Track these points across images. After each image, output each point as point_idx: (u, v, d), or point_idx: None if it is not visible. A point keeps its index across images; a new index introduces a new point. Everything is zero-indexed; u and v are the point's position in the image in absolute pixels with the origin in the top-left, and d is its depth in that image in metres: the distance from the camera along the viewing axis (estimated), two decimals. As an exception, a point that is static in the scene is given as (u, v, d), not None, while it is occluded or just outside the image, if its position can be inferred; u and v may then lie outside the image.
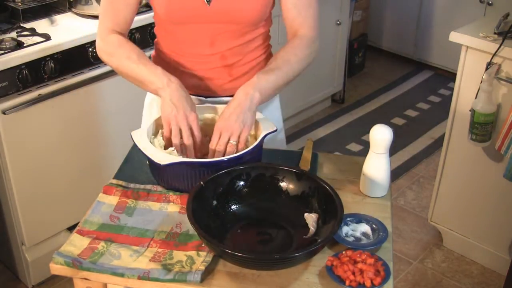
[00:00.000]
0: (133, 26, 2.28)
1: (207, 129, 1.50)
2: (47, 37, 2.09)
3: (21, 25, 2.20)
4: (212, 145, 1.37)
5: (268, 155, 1.48)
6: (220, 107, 1.52)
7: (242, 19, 1.47)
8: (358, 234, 1.28)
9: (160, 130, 1.45)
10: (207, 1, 1.44)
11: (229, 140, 1.36)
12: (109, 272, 1.17)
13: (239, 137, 1.36)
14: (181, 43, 1.53)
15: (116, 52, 1.48)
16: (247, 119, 1.37)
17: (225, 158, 1.32)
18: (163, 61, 1.58)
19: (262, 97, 1.40)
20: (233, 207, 1.32)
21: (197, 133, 1.39)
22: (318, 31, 1.53)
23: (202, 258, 1.19)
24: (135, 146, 1.41)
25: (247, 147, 1.37)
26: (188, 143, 1.37)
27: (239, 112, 1.36)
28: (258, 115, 1.47)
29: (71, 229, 2.37)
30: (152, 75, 1.42)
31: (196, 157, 1.40)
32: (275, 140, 1.65)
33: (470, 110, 2.20)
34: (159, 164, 1.28)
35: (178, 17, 1.47)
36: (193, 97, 1.53)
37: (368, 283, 1.12)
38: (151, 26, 2.35)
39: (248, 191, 1.33)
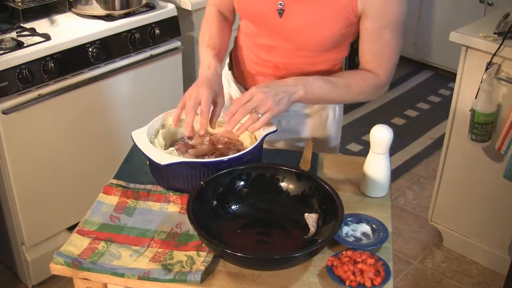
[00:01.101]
0: (133, 26, 2.30)
1: (208, 130, 1.50)
2: (47, 37, 2.09)
3: (21, 25, 2.19)
4: (236, 105, 1.33)
5: (268, 155, 1.48)
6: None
7: (306, 43, 1.45)
8: (358, 234, 1.28)
9: (160, 130, 1.46)
10: (280, 13, 1.42)
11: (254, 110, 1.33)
12: (109, 272, 1.17)
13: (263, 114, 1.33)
14: (248, 37, 1.55)
15: (202, 25, 1.62)
16: (282, 103, 1.34)
17: (225, 158, 1.32)
18: (236, 50, 1.64)
19: (304, 97, 1.39)
20: (233, 207, 1.32)
21: (204, 107, 1.36)
22: (390, 78, 1.48)
23: (202, 258, 1.19)
24: (135, 146, 1.41)
25: (245, 148, 1.37)
26: (189, 116, 1.36)
27: (281, 91, 1.34)
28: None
29: (71, 229, 2.37)
30: (202, 59, 1.51)
31: (198, 157, 1.40)
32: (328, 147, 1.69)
33: (470, 110, 2.20)
34: (159, 164, 1.28)
35: (248, 16, 1.51)
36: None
37: (368, 283, 1.12)
38: (151, 26, 2.35)
39: (248, 191, 1.33)
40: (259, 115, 1.34)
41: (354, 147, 3.38)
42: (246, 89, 1.55)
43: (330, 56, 1.50)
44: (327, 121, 1.66)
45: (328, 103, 1.50)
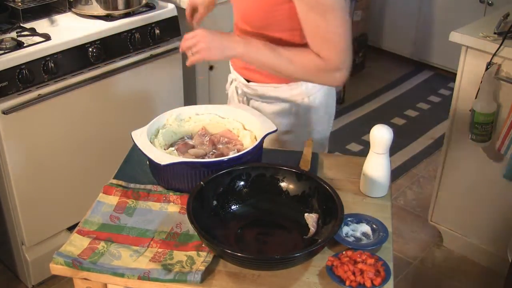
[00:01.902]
0: (133, 26, 2.29)
1: (207, 129, 1.50)
2: (47, 37, 2.09)
3: (21, 25, 2.19)
4: (185, 37, 1.46)
5: (268, 155, 1.48)
6: (220, 107, 1.52)
7: (245, 17, 1.55)
8: (358, 234, 1.28)
9: (160, 130, 1.46)
10: None
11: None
12: (109, 272, 1.17)
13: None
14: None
15: None
16: (214, 51, 1.45)
17: (225, 158, 1.32)
18: None
19: (243, 56, 1.47)
20: (233, 207, 1.32)
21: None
22: (340, 63, 1.44)
23: (202, 258, 1.19)
24: (135, 146, 1.41)
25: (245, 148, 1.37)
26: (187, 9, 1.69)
27: (220, 40, 1.45)
28: (258, 115, 1.47)
29: (71, 229, 2.36)
30: None
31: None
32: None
33: (470, 110, 2.20)
34: (159, 164, 1.28)
35: None
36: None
37: (368, 283, 1.12)
38: (151, 26, 2.35)
39: (248, 191, 1.33)
40: (191, 54, 1.45)
41: (354, 147, 3.38)
42: (233, 67, 1.73)
43: (273, 34, 1.51)
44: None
45: (271, 71, 1.50)
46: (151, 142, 1.36)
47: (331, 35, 1.42)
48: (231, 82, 1.78)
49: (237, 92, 1.74)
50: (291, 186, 1.33)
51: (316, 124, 1.70)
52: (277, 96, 1.64)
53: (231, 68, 1.75)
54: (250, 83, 1.67)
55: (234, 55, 1.48)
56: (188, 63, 1.47)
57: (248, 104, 1.71)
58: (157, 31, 2.37)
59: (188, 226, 1.28)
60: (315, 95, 1.65)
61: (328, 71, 1.45)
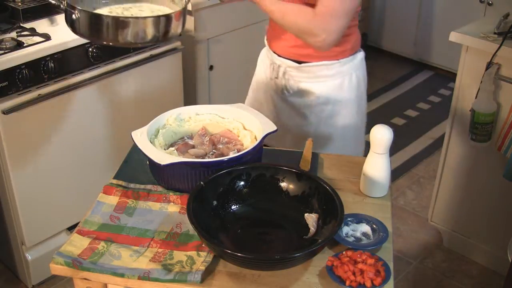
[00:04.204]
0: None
1: (207, 129, 1.50)
2: (47, 37, 2.09)
3: (21, 25, 2.19)
4: None
5: (268, 155, 1.48)
6: (220, 107, 1.52)
7: None
8: (358, 234, 1.28)
9: (160, 130, 1.46)
10: None
11: None
12: (109, 272, 1.17)
13: None
14: None
15: None
16: None
17: (225, 158, 1.32)
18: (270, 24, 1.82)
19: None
20: (233, 207, 1.32)
21: None
22: (326, 26, 1.53)
23: (202, 258, 1.19)
24: (135, 146, 1.41)
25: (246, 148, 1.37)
26: None
27: None
28: (258, 115, 1.47)
29: (71, 229, 2.37)
30: None
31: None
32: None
33: (470, 110, 2.20)
34: (159, 164, 1.28)
35: None
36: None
37: (368, 284, 1.12)
38: (151, 26, 2.35)
39: (248, 191, 1.33)
40: None
41: (354, 147, 3.38)
42: (274, 52, 1.78)
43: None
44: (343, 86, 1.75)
45: (269, 15, 1.61)
46: (151, 142, 1.36)
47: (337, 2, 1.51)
48: (272, 67, 1.80)
49: (277, 77, 1.78)
50: (291, 186, 1.33)
51: (362, 99, 1.83)
52: (330, 74, 1.71)
53: (274, 55, 1.78)
54: (302, 65, 1.71)
55: None
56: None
57: (296, 89, 1.76)
58: (157, 31, 2.37)
59: (188, 226, 1.28)
60: (360, 70, 1.78)
61: (313, 28, 1.53)
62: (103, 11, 1.56)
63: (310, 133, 1.78)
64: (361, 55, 1.78)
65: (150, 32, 1.43)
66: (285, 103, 1.81)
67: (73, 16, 1.45)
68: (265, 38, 1.87)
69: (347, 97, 1.76)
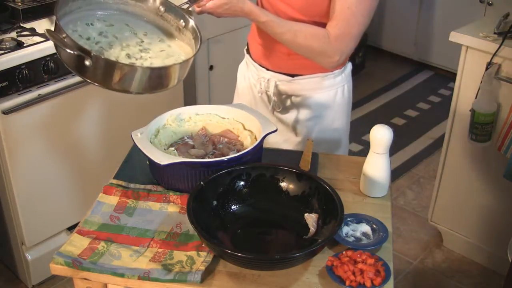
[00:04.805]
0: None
1: (207, 129, 1.50)
2: (47, 37, 2.09)
3: (21, 25, 2.19)
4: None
5: (268, 155, 1.48)
6: (220, 107, 1.52)
7: (299, 4, 1.54)
8: (358, 234, 1.28)
9: (160, 130, 1.46)
10: None
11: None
12: (109, 272, 1.17)
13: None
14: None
15: None
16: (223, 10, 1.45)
17: (225, 158, 1.32)
18: (252, 34, 1.77)
19: (249, 13, 1.47)
20: (233, 207, 1.32)
21: None
22: (342, 46, 1.51)
23: (202, 258, 1.19)
24: (135, 146, 1.41)
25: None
26: None
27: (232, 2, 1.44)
28: (258, 115, 1.47)
29: (71, 229, 2.37)
30: None
31: None
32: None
33: (470, 110, 2.20)
34: (159, 164, 1.28)
35: None
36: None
37: (368, 284, 1.12)
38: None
39: (248, 191, 1.33)
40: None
41: (354, 147, 3.38)
42: (262, 66, 1.70)
43: (316, 19, 1.55)
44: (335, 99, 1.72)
45: (274, 36, 1.54)
46: (151, 142, 1.36)
47: (354, 20, 1.48)
48: (260, 84, 1.74)
49: (267, 92, 1.73)
50: (291, 186, 1.33)
51: (350, 110, 1.79)
52: (323, 86, 1.68)
53: (262, 69, 1.72)
54: (295, 78, 1.67)
55: (241, 6, 1.46)
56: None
57: (287, 103, 1.72)
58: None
59: (188, 226, 1.28)
60: (349, 81, 1.74)
61: (327, 52, 1.51)
62: (121, 54, 1.37)
63: (299, 147, 1.73)
64: (349, 66, 1.75)
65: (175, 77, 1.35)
66: (273, 118, 1.76)
67: (86, 62, 1.25)
68: (245, 49, 1.81)
69: (339, 110, 1.73)
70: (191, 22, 1.45)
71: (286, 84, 1.69)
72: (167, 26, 1.50)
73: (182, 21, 1.47)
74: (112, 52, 1.36)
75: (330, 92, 1.69)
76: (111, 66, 1.26)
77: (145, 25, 1.49)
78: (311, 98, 1.69)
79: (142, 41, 1.43)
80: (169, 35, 1.49)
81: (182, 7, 1.46)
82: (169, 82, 1.33)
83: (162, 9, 1.48)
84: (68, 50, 1.23)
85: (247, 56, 1.81)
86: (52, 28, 1.31)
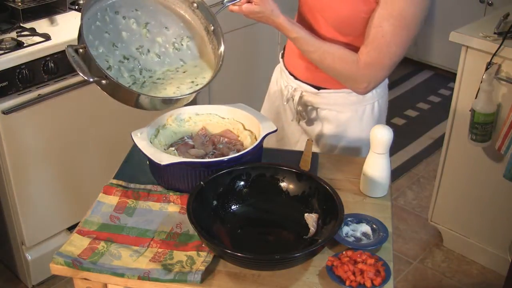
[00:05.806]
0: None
1: (207, 129, 1.50)
2: (47, 37, 2.09)
3: (21, 25, 2.19)
4: None
5: (268, 155, 1.48)
6: (220, 107, 1.52)
7: (331, 19, 1.50)
8: (358, 234, 1.28)
9: (160, 130, 1.46)
10: None
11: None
12: (109, 272, 1.17)
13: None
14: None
15: None
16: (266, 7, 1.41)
17: (225, 158, 1.32)
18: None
19: (279, 24, 1.44)
20: (233, 207, 1.32)
21: None
22: (371, 74, 1.47)
23: (202, 258, 1.19)
24: (135, 146, 1.41)
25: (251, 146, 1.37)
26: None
27: (263, 12, 1.42)
28: (258, 115, 1.47)
29: (71, 229, 2.37)
30: None
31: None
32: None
33: (470, 110, 2.20)
34: (159, 164, 1.28)
35: None
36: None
37: (368, 284, 1.12)
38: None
39: (248, 191, 1.33)
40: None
41: (354, 147, 3.38)
42: (291, 74, 1.67)
43: (344, 38, 1.51)
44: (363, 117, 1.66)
45: (304, 50, 1.51)
46: (151, 142, 1.36)
47: (387, 49, 1.43)
48: (287, 92, 1.70)
49: (292, 101, 1.69)
50: (291, 186, 1.33)
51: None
52: (350, 102, 1.61)
53: (290, 77, 1.68)
54: (321, 91, 1.62)
55: (273, 19, 1.44)
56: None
57: (312, 115, 1.68)
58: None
59: (188, 226, 1.28)
60: (383, 98, 1.66)
61: (356, 77, 1.48)
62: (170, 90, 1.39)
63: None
64: (385, 81, 1.64)
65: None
66: (298, 127, 1.73)
67: (140, 99, 1.31)
68: (281, 54, 1.76)
69: (368, 125, 1.62)
70: (222, 48, 1.44)
71: (312, 96, 1.64)
72: (197, 23, 1.51)
73: (211, 25, 1.47)
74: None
75: (357, 108, 1.62)
76: (127, 93, 1.34)
77: (176, 23, 1.50)
78: (336, 113, 1.63)
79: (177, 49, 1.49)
80: (198, 37, 1.50)
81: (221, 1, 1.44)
82: (181, 104, 1.39)
83: (195, 5, 1.49)
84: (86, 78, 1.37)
85: (281, 61, 1.75)
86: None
